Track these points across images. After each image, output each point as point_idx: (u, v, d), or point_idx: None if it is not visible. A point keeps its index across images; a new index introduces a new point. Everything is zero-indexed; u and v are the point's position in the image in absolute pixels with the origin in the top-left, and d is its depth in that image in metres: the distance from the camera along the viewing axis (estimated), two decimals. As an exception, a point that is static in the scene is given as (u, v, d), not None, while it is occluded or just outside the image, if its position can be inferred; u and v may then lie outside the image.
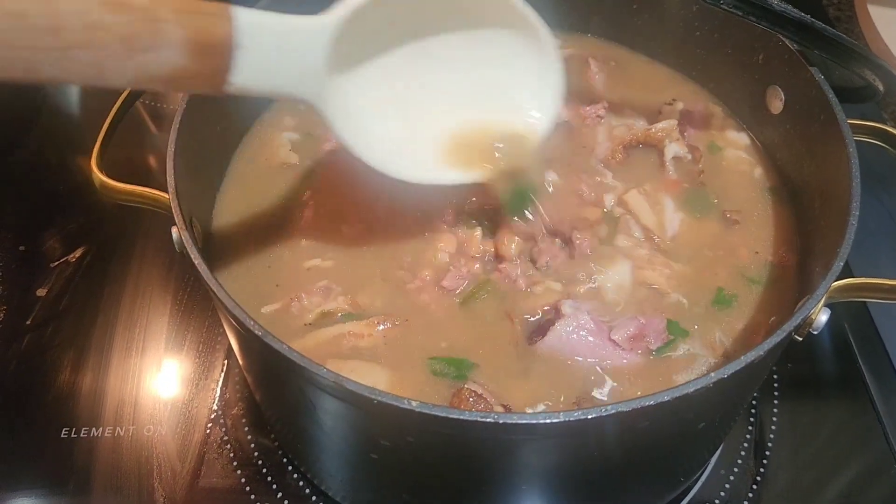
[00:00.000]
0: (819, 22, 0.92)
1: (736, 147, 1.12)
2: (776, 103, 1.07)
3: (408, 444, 0.77)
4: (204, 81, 0.64)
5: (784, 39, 1.01)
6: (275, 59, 0.67)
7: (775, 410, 1.15)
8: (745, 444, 1.11)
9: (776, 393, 1.17)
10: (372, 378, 0.86)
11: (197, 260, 0.79)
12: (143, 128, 1.60)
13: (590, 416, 0.68)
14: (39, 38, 0.52)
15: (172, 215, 0.84)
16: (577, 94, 1.16)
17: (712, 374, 0.70)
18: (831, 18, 1.74)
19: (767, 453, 1.11)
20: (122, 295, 1.31)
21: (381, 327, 0.91)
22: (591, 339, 0.88)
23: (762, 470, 1.09)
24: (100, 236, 1.39)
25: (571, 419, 0.68)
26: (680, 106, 1.16)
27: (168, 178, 0.87)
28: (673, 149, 1.07)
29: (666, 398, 0.69)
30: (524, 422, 0.68)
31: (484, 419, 0.68)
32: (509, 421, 0.68)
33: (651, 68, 1.25)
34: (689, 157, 1.08)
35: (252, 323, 0.74)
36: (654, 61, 1.25)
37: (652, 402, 0.69)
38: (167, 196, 0.86)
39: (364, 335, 0.90)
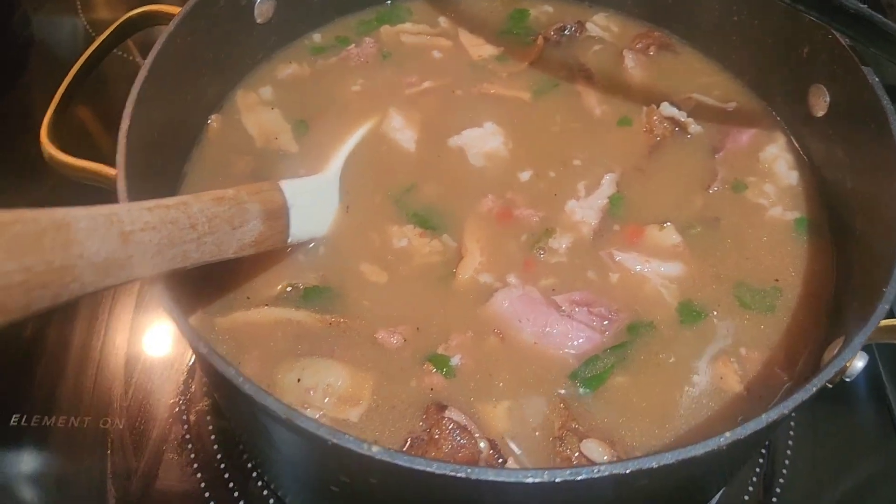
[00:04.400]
0: (879, 15, 0.80)
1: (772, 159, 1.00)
2: (819, 104, 0.94)
3: (369, 485, 0.67)
4: (276, 239, 0.81)
5: (835, 33, 0.88)
6: (311, 207, 0.86)
7: (790, 443, 1.05)
8: (755, 479, 1.01)
9: (792, 423, 1.06)
10: (326, 376, 0.78)
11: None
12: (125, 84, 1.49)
13: (579, 478, 0.58)
14: (184, 234, 0.67)
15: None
16: (613, 87, 1.06)
17: (726, 435, 0.60)
18: (883, 5, 1.59)
19: (778, 490, 1.00)
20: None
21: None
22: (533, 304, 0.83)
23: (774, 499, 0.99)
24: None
25: (558, 480, 0.58)
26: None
27: (118, 158, 0.76)
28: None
29: (670, 460, 0.59)
30: (501, 480, 0.58)
31: (454, 473, 0.58)
32: (484, 478, 0.58)
33: (687, 58, 1.13)
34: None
35: (203, 345, 0.65)
36: (688, 47, 1.13)
37: (654, 465, 0.59)
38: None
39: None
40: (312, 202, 0.87)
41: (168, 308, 0.67)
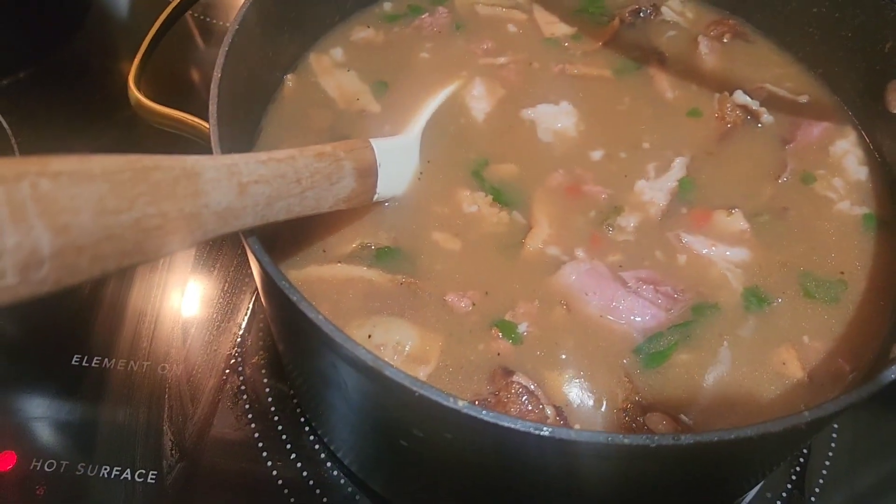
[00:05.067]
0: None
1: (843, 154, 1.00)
2: (897, 100, 0.94)
3: (444, 440, 0.69)
4: (365, 196, 0.83)
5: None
6: (394, 166, 0.88)
7: (834, 436, 1.06)
8: (798, 469, 1.02)
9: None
10: (397, 335, 0.80)
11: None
12: (191, 42, 1.51)
13: (653, 444, 0.59)
14: (290, 188, 0.70)
15: (210, 147, 0.75)
16: (686, 72, 1.07)
17: (805, 413, 0.61)
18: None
19: (821, 481, 1.01)
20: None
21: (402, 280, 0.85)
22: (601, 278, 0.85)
23: (812, 499, 1.00)
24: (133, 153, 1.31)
25: (635, 443, 0.59)
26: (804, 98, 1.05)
27: (210, 108, 0.78)
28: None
29: (749, 433, 0.60)
30: (583, 440, 0.60)
31: (538, 431, 0.59)
32: (566, 437, 0.59)
33: (761, 48, 1.13)
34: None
35: (286, 284, 0.66)
36: (762, 36, 1.13)
37: (731, 437, 0.60)
38: (207, 126, 0.77)
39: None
40: (396, 162, 0.88)
41: (259, 256, 0.69)
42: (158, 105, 0.85)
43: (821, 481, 1.01)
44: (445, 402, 0.60)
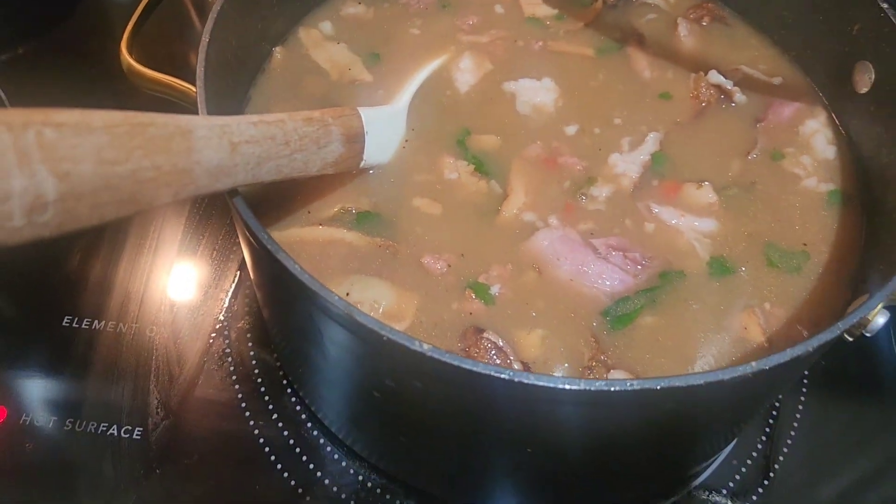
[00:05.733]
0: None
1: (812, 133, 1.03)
2: (864, 81, 0.97)
3: (414, 388, 0.72)
4: (352, 161, 0.87)
5: (888, 11, 0.91)
6: (381, 135, 0.91)
7: (800, 407, 1.09)
8: (764, 438, 1.06)
9: (804, 389, 1.11)
10: (374, 293, 0.83)
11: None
12: (183, 12, 1.54)
13: (613, 389, 0.63)
14: (279, 150, 0.73)
15: (198, 112, 0.78)
16: (664, 53, 1.11)
17: (752, 364, 0.64)
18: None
19: (785, 450, 1.05)
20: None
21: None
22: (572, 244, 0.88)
23: (776, 466, 1.04)
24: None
25: (593, 388, 0.62)
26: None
27: (198, 71, 0.81)
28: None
29: (699, 381, 0.63)
30: (541, 384, 0.63)
31: (499, 374, 0.62)
32: (525, 381, 0.62)
33: (739, 31, 1.16)
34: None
35: (266, 237, 0.70)
36: (740, 20, 1.17)
37: (681, 384, 0.63)
38: (195, 90, 0.80)
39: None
40: (383, 130, 0.92)
41: (243, 213, 0.72)
42: (149, 70, 0.88)
43: (785, 450, 1.05)
44: (411, 346, 0.63)
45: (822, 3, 1.03)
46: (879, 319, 0.75)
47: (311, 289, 0.67)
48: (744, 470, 1.03)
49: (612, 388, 0.62)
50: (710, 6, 1.17)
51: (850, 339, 0.77)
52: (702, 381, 0.63)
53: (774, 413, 1.08)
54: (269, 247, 0.69)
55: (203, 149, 0.65)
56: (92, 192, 0.55)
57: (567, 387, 0.63)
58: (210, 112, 0.78)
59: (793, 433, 1.07)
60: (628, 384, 0.62)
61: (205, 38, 0.83)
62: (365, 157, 0.88)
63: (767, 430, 1.07)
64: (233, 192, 0.73)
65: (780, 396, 1.09)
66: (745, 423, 0.97)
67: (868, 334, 0.77)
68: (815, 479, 1.04)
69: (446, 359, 0.63)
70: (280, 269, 0.69)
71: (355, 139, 0.85)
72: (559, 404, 0.68)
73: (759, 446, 1.05)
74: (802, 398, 1.10)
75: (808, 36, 1.07)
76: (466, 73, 1.07)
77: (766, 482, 1.03)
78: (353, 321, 0.65)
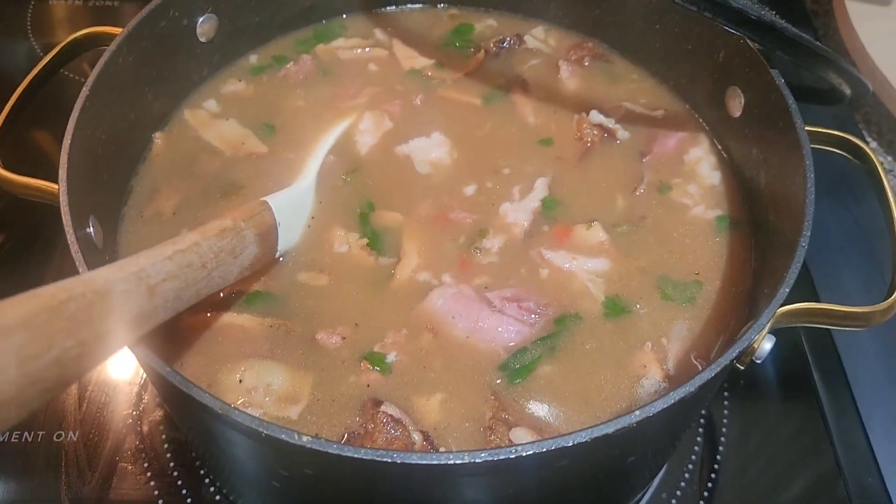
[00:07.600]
0: (780, 21, 0.85)
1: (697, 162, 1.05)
2: (736, 106, 1.00)
3: (307, 476, 0.70)
4: (266, 258, 0.86)
5: (745, 38, 0.94)
6: (291, 219, 0.91)
7: (725, 421, 1.09)
8: (691, 466, 1.05)
9: (726, 402, 1.11)
10: (268, 377, 0.82)
11: (81, 267, 0.72)
12: (62, 103, 1.51)
13: (498, 458, 0.62)
14: (197, 274, 0.71)
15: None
16: (547, 97, 1.12)
17: (635, 413, 0.64)
18: (808, 11, 1.67)
19: (716, 466, 1.05)
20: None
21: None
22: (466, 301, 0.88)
23: (710, 485, 1.03)
24: (20, 225, 1.30)
25: (479, 460, 0.61)
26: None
27: (60, 173, 0.79)
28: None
29: (584, 438, 0.63)
30: (424, 462, 0.62)
31: (382, 458, 0.61)
32: (410, 461, 0.61)
33: (619, 67, 1.19)
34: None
35: (141, 349, 0.67)
36: (618, 56, 1.19)
37: (570, 443, 0.62)
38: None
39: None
40: (292, 213, 0.91)
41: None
42: (15, 175, 0.85)
43: (713, 475, 1.05)
44: (290, 439, 0.61)
45: (689, 33, 1.06)
46: (766, 345, 0.76)
47: (185, 392, 0.65)
48: (678, 493, 1.03)
49: (497, 458, 0.62)
50: (589, 45, 1.19)
51: (742, 368, 0.78)
52: (587, 438, 0.63)
53: (699, 438, 1.08)
54: (135, 351, 0.67)
55: (124, 304, 0.61)
56: (17, 394, 0.50)
57: (452, 461, 0.62)
58: (75, 213, 0.77)
59: (723, 439, 1.06)
60: (512, 451, 0.61)
61: (66, 142, 0.81)
62: (280, 248, 0.88)
63: (697, 448, 1.06)
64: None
65: (704, 418, 1.09)
66: (660, 459, 0.96)
67: (758, 360, 0.77)
68: (753, 485, 1.04)
69: (326, 448, 0.61)
70: (157, 374, 0.67)
71: (268, 234, 0.84)
72: (455, 476, 0.67)
73: (691, 466, 1.04)
74: (726, 411, 1.10)
75: (682, 65, 1.10)
76: (366, 134, 1.06)
77: (705, 493, 1.02)
78: (232, 420, 0.63)
